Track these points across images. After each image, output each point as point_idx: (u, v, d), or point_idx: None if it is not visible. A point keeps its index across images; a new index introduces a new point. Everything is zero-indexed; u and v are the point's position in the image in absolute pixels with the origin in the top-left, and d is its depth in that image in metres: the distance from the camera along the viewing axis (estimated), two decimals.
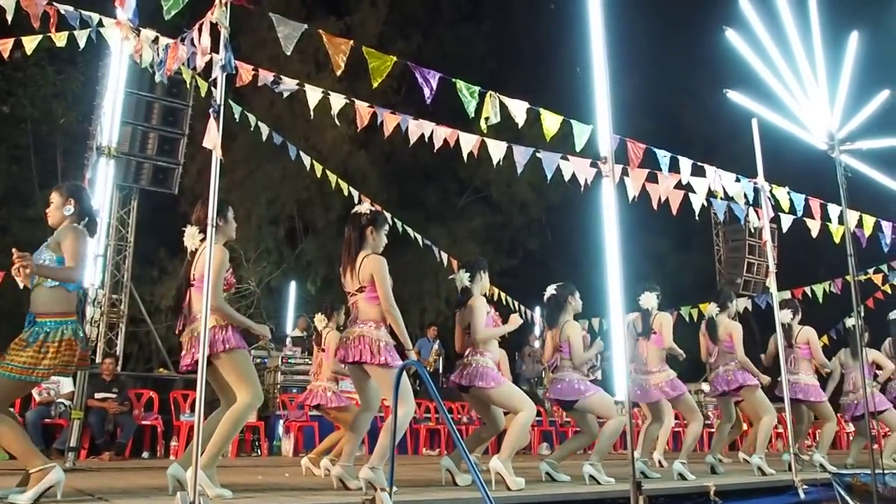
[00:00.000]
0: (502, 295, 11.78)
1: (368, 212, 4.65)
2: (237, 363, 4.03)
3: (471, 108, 4.96)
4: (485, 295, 5.25)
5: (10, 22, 5.58)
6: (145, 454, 8.67)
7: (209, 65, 4.05)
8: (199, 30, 3.77)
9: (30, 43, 6.33)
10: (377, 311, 4.41)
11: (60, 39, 6.26)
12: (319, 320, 6.49)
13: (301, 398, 6.60)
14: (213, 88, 3.75)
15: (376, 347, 4.31)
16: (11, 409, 4.07)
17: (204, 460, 3.57)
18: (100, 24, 6.16)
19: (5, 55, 6.23)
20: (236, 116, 7.92)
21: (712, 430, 12.83)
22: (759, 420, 6.37)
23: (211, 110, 3.41)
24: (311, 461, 5.95)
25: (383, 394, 4.52)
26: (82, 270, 3.86)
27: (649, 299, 6.15)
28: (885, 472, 4.91)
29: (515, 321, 5.19)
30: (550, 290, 5.69)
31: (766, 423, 6.27)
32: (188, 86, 10.06)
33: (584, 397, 5.34)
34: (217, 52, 3.70)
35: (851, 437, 7.88)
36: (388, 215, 9.63)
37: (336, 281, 6.46)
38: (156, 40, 5.86)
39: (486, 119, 5.00)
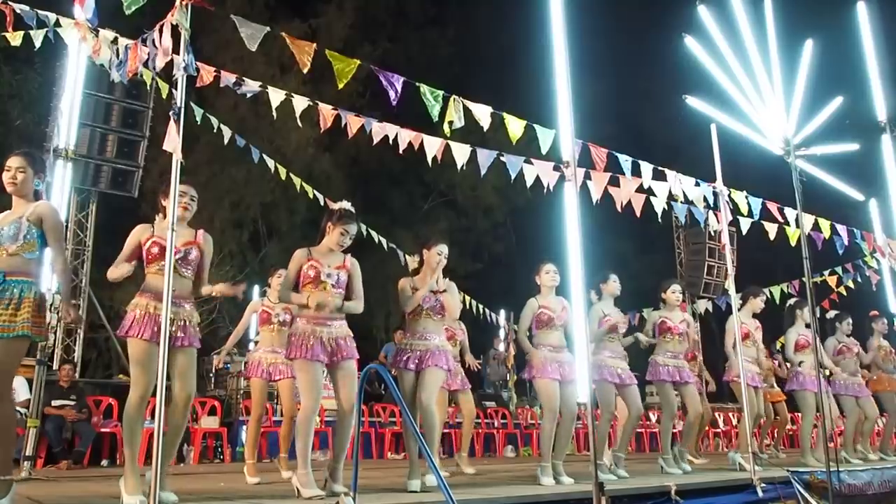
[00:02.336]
0: (467, 298, 11.82)
1: (336, 208, 4.65)
2: (130, 352, 3.96)
3: (435, 111, 4.98)
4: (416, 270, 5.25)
5: None
6: (104, 462, 8.51)
7: (170, 65, 4.00)
8: (160, 31, 3.73)
9: None
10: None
11: (16, 39, 6.14)
12: None
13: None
14: (173, 90, 3.71)
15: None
16: None
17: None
18: (57, 23, 6.05)
19: None
20: (198, 118, 7.84)
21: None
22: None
23: (171, 113, 3.37)
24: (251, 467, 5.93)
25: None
26: None
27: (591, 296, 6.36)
28: (841, 469, 5.03)
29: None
30: None
31: (664, 422, 6.64)
32: (148, 87, 9.91)
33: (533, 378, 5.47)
34: (178, 54, 3.67)
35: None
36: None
37: None
38: (115, 41, 5.78)
39: (451, 123, 5.02)
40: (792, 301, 7.71)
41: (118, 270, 4.11)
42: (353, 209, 4.66)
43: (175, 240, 4.05)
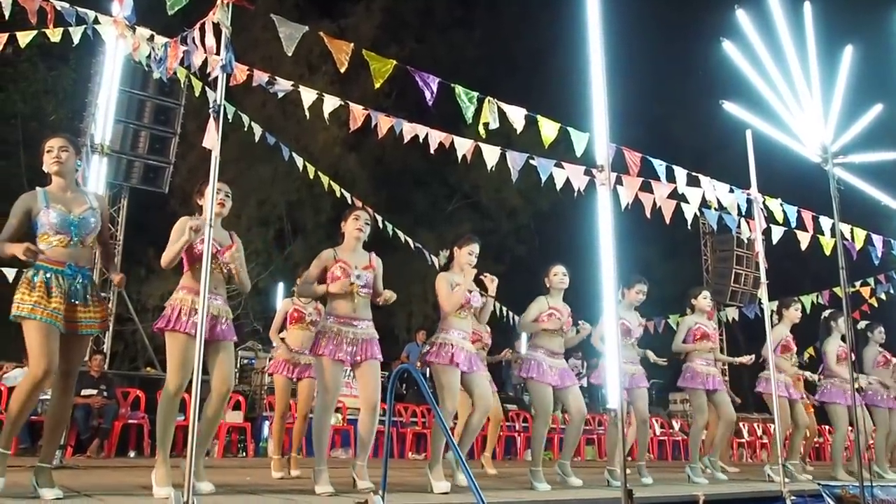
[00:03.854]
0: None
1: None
2: (169, 345, 4.00)
3: (469, 113, 4.98)
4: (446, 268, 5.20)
5: (6, 17, 5.56)
6: (132, 453, 8.62)
7: (203, 64, 4.04)
8: (202, 29, 3.76)
9: (24, 37, 6.29)
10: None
11: (55, 35, 6.23)
12: None
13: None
14: (207, 88, 3.76)
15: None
16: None
17: None
18: (96, 21, 6.14)
19: None
20: (229, 117, 7.91)
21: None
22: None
23: (211, 110, 3.40)
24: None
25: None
26: None
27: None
28: (874, 484, 4.95)
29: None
30: None
31: (694, 430, 6.60)
32: (181, 85, 10.01)
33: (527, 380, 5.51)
34: (217, 52, 3.70)
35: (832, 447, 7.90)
36: (379, 218, 9.65)
37: None
38: (151, 38, 5.85)
39: (486, 124, 5.02)
40: (826, 313, 7.62)
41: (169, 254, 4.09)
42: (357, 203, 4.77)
43: (220, 240, 4.17)
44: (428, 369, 5.19)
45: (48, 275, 3.69)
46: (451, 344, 4.86)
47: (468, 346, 4.99)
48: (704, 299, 6.65)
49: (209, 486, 4.05)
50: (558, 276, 5.67)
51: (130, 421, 8.68)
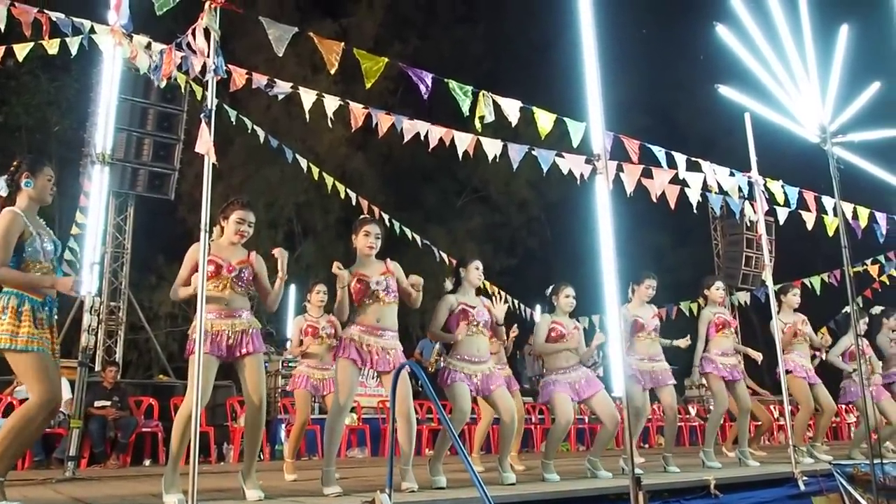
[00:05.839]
0: (502, 294, 11.78)
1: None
2: (190, 365, 3.67)
3: (465, 106, 4.98)
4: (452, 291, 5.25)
5: (2, 30, 5.60)
6: (147, 462, 8.67)
7: (203, 69, 4.06)
8: (193, 34, 3.78)
9: (21, 50, 6.34)
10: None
11: (52, 46, 6.28)
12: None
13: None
14: (207, 93, 3.76)
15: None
16: None
17: None
18: (92, 30, 6.18)
19: None
20: (233, 120, 7.94)
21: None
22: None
23: (202, 115, 3.41)
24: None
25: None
26: None
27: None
28: (885, 461, 4.92)
29: None
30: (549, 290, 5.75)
31: (713, 416, 6.53)
32: (183, 91, 10.06)
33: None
34: (208, 56, 3.72)
35: (853, 429, 7.82)
36: (386, 217, 9.67)
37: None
38: (148, 45, 5.89)
39: (481, 118, 5.01)
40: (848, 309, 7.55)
41: (184, 292, 4.04)
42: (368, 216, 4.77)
43: (230, 258, 4.15)
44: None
45: (31, 305, 3.54)
46: (452, 369, 4.96)
47: (473, 368, 4.95)
48: (717, 290, 6.59)
49: (257, 494, 3.96)
50: (569, 298, 5.61)
51: (144, 429, 8.72)
